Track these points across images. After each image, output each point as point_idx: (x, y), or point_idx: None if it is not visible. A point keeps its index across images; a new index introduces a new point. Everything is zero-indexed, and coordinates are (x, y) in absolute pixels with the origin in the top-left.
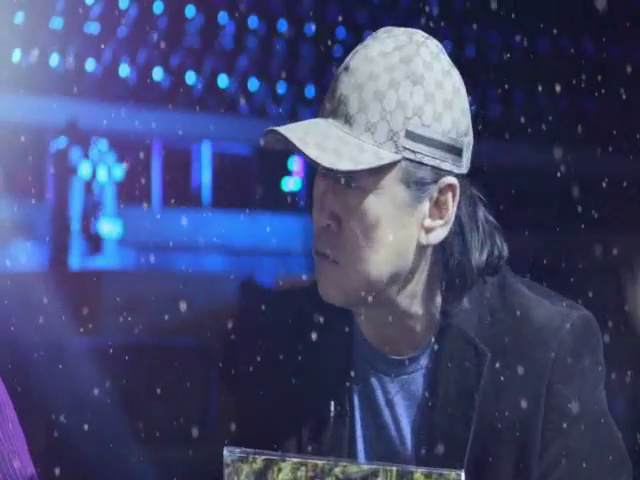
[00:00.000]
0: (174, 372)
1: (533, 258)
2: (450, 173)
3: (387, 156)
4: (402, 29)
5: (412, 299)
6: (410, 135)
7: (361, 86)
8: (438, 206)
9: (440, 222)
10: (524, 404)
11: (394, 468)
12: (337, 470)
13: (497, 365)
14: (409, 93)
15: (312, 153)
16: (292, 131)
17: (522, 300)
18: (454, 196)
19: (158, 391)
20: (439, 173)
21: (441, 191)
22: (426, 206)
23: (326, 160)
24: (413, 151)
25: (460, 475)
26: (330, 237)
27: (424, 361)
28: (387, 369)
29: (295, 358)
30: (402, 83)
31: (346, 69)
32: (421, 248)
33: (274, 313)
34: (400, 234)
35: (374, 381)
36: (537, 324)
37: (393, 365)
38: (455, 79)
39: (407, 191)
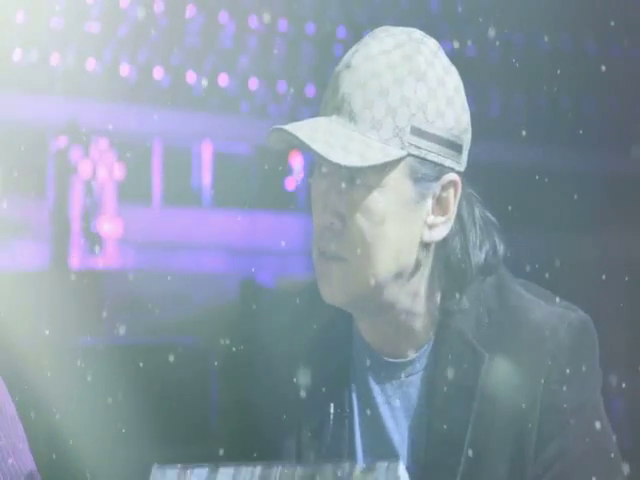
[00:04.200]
0: (173, 371)
1: (532, 260)
2: (452, 170)
3: (393, 152)
4: (400, 28)
5: (414, 298)
6: (415, 131)
7: (364, 83)
8: (440, 203)
9: (442, 219)
10: (521, 405)
11: (329, 472)
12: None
13: (494, 366)
14: (413, 89)
15: (321, 149)
16: (299, 129)
17: (519, 301)
18: (456, 193)
19: (158, 390)
20: (442, 170)
21: (443, 188)
22: (429, 203)
23: (334, 156)
24: (418, 147)
25: (397, 466)
26: (334, 235)
27: (422, 363)
28: (386, 371)
29: (294, 359)
30: (406, 79)
31: (347, 67)
32: (424, 245)
33: (273, 314)
34: (405, 231)
35: (373, 383)
36: (534, 325)
37: (392, 367)
38: (455, 77)
39: (412, 187)
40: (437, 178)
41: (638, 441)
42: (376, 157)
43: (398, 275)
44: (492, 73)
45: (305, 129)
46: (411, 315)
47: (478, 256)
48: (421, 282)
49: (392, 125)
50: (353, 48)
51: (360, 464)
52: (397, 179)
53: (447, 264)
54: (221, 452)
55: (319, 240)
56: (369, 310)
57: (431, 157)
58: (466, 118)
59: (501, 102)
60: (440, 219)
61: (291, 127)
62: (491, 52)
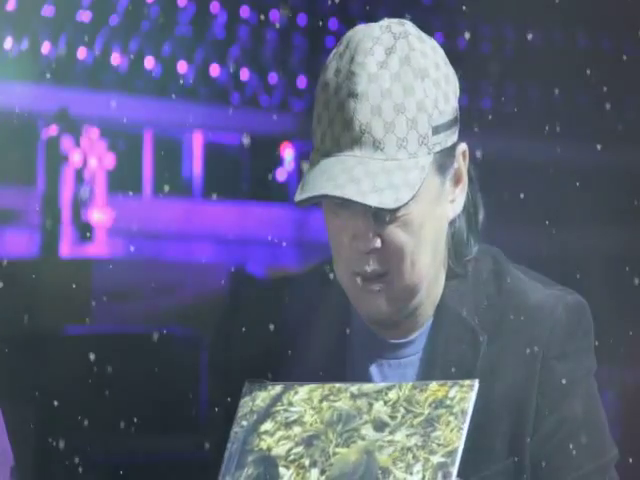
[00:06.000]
0: (162, 361)
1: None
2: (459, 141)
3: (425, 162)
4: (375, 26)
5: (431, 279)
6: (435, 130)
7: (379, 107)
8: (455, 175)
9: (459, 188)
10: (519, 384)
11: (409, 383)
12: (353, 388)
13: (493, 347)
14: (422, 91)
15: (374, 202)
16: (341, 187)
17: (517, 284)
18: (465, 159)
19: (146, 380)
20: (454, 147)
21: (456, 160)
22: (448, 180)
23: (388, 202)
24: (440, 143)
25: (474, 383)
26: (376, 254)
27: (421, 344)
28: (385, 353)
29: (292, 342)
30: (413, 85)
31: (353, 95)
32: (449, 223)
33: (270, 300)
34: (438, 223)
35: (371, 365)
36: (532, 305)
37: (391, 348)
38: (439, 50)
39: (438, 179)
40: (452, 158)
41: (633, 435)
42: (416, 178)
43: (432, 266)
44: (483, 64)
45: (347, 184)
46: (424, 299)
47: (480, 212)
48: (440, 260)
49: (416, 136)
50: (341, 67)
51: (435, 381)
52: (426, 180)
53: (464, 226)
54: (209, 443)
55: (356, 264)
56: (405, 313)
57: (449, 143)
58: (457, 83)
59: (496, 95)
60: (457, 189)
61: (332, 188)
62: (482, 43)
